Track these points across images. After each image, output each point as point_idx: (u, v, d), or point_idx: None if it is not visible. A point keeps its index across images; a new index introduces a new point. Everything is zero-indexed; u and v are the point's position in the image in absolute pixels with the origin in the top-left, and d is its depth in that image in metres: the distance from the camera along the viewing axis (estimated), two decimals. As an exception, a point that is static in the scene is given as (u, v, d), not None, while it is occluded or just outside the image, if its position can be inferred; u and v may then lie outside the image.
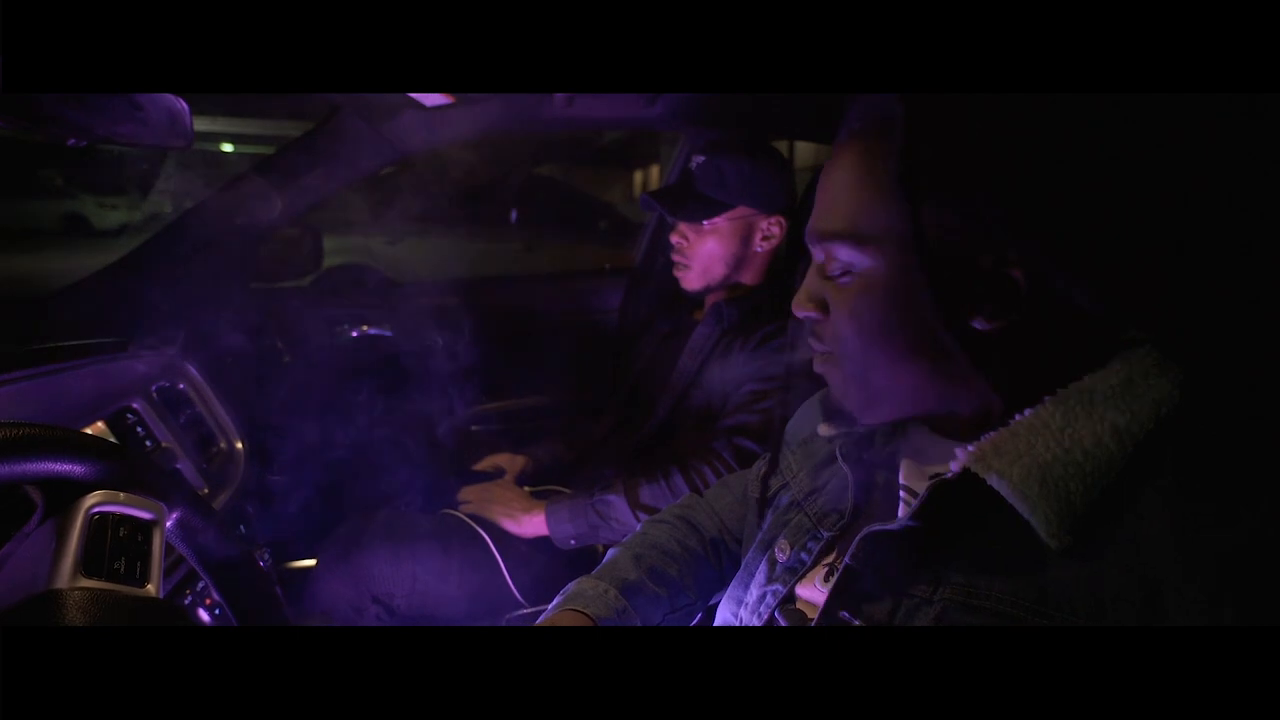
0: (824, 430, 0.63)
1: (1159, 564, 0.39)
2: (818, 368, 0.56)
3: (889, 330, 0.49)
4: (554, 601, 0.73)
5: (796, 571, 0.61)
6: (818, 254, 0.53)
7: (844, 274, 0.50)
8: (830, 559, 0.59)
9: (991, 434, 0.46)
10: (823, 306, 0.53)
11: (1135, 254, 0.45)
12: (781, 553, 0.63)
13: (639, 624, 0.71)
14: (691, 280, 1.30)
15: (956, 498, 0.46)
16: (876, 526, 0.50)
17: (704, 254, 1.27)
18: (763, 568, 0.64)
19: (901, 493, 0.56)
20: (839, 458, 0.60)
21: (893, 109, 0.46)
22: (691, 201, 1.25)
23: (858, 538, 0.51)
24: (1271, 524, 0.38)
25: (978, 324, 0.46)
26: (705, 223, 1.24)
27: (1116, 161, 0.43)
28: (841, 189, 0.50)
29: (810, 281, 0.54)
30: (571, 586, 0.73)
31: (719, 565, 0.81)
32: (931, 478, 0.51)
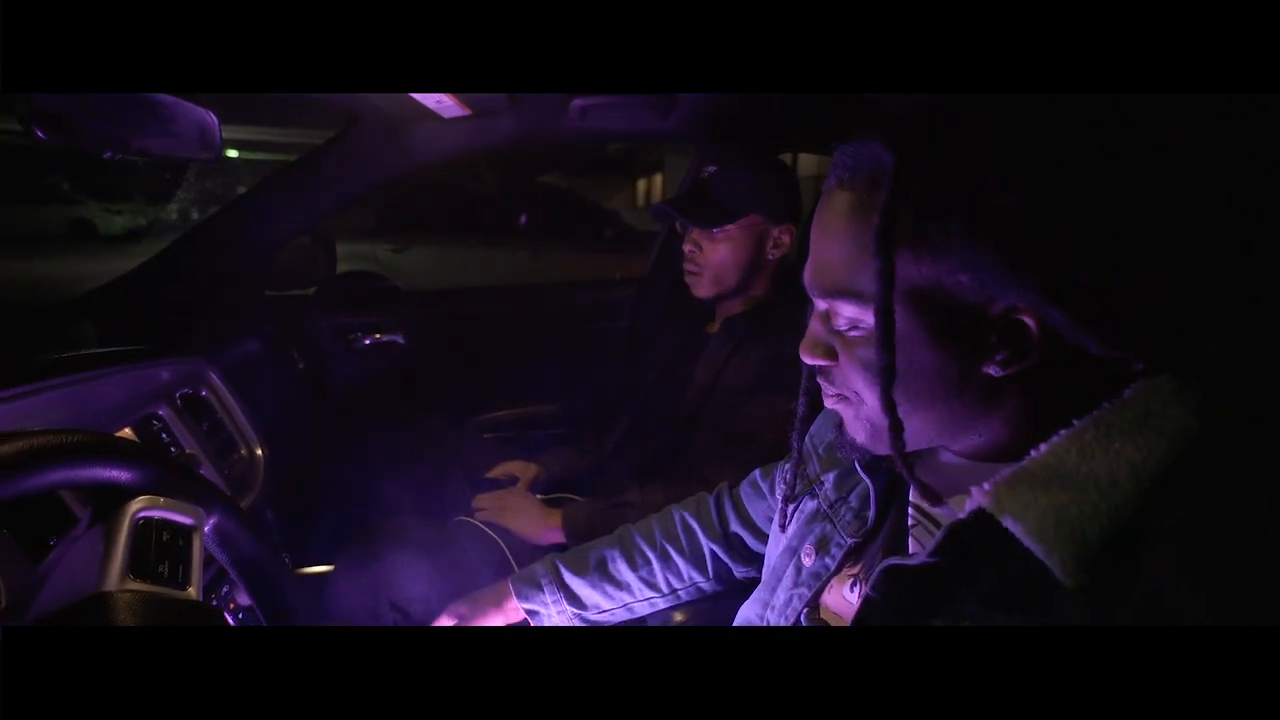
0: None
1: (1168, 611, 0.38)
2: (830, 405, 0.56)
3: (901, 379, 0.47)
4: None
5: (821, 576, 0.63)
6: (820, 304, 0.53)
7: (851, 327, 0.50)
8: (855, 570, 0.61)
9: (1006, 471, 0.46)
10: (831, 354, 0.53)
11: (1145, 293, 0.44)
12: (808, 558, 0.65)
13: (574, 609, 0.89)
14: (704, 287, 1.31)
15: (972, 535, 0.46)
16: (896, 560, 0.50)
17: (716, 261, 1.28)
18: (790, 572, 0.66)
19: (911, 509, 0.57)
20: (859, 470, 0.61)
21: (882, 160, 0.45)
22: (705, 209, 1.26)
23: (877, 569, 0.51)
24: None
25: (992, 370, 0.46)
26: (717, 230, 1.26)
27: (1118, 204, 0.42)
28: (837, 243, 0.49)
29: (815, 330, 0.54)
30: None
31: (717, 564, 0.90)
32: (943, 504, 0.52)
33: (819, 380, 0.56)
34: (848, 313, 0.49)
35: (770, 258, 1.30)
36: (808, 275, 0.52)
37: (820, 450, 0.71)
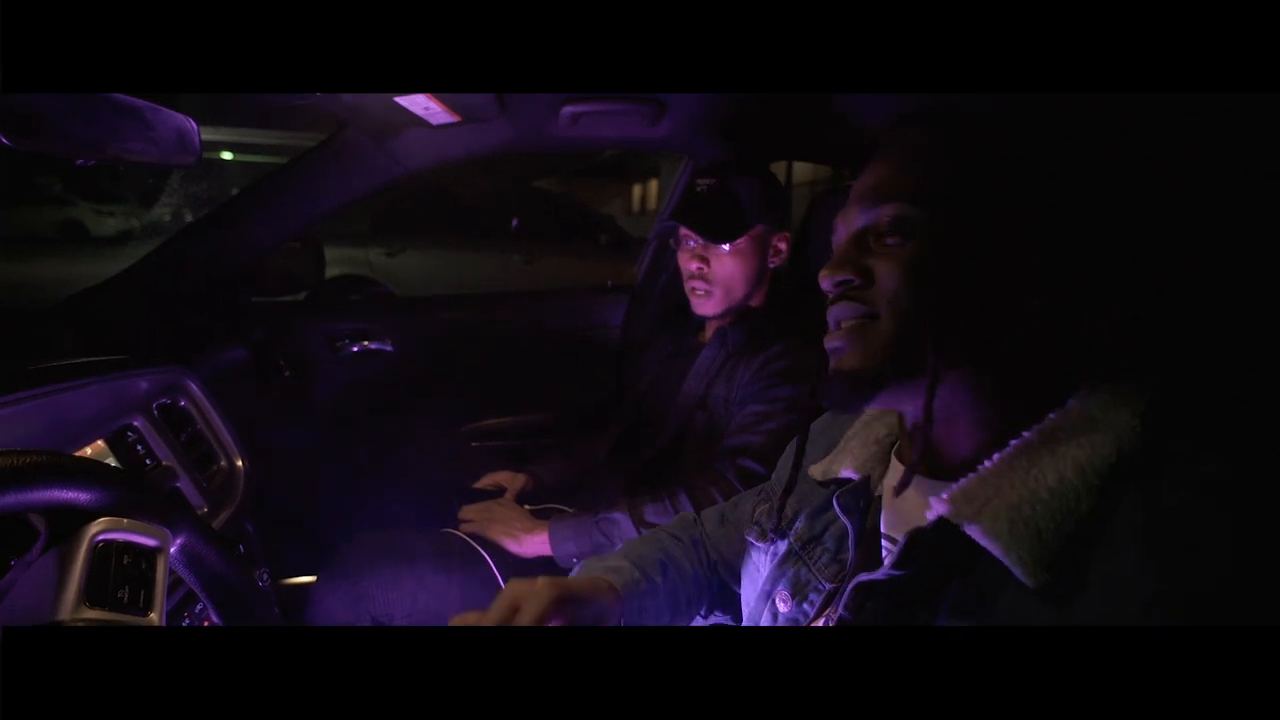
0: (815, 473, 0.63)
1: (1128, 608, 0.39)
2: (838, 341, 0.53)
3: (937, 291, 0.49)
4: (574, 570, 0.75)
5: (799, 624, 0.61)
6: (862, 219, 0.54)
7: (894, 235, 0.51)
8: (830, 611, 0.58)
9: (963, 481, 0.48)
10: (863, 272, 0.52)
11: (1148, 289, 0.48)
12: (783, 603, 0.63)
13: (648, 617, 0.72)
14: (714, 304, 1.27)
15: (936, 545, 0.47)
16: (865, 576, 0.51)
17: (726, 275, 1.25)
18: (765, 618, 0.64)
19: (884, 541, 0.56)
20: (838, 511, 0.59)
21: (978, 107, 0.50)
22: (718, 223, 1.23)
23: (849, 587, 0.52)
24: (1233, 567, 0.38)
25: (1018, 299, 0.48)
26: (729, 244, 1.23)
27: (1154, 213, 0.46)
28: (914, 158, 0.52)
29: (846, 251, 0.53)
30: (595, 561, 0.76)
31: (710, 593, 0.80)
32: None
33: (832, 311, 0.54)
34: (900, 212, 0.51)
35: (771, 266, 1.28)
36: (866, 187, 0.54)
37: (787, 486, 0.68)
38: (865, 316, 0.52)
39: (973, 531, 0.44)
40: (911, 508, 0.53)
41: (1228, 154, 0.53)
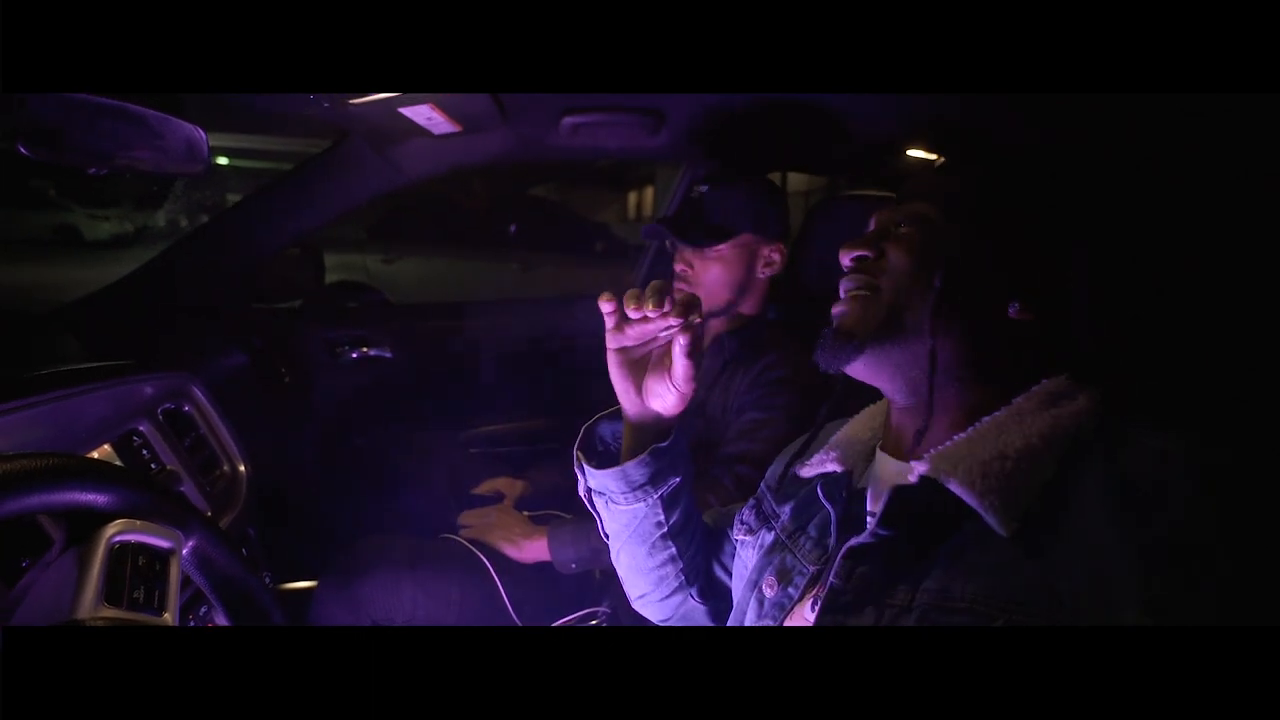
0: (804, 472, 0.69)
1: (1100, 556, 0.44)
2: (842, 306, 0.62)
3: (931, 271, 0.57)
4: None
5: (785, 607, 0.63)
6: (889, 213, 0.63)
7: (910, 220, 0.61)
8: (816, 590, 0.61)
9: (941, 446, 0.54)
10: (878, 250, 0.61)
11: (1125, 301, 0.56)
12: (769, 589, 0.66)
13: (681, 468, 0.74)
14: None
15: (918, 505, 0.52)
16: (855, 541, 0.55)
17: (709, 280, 1.27)
18: (752, 605, 0.67)
19: (869, 518, 0.60)
20: (820, 497, 0.64)
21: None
22: (698, 228, 1.26)
23: (839, 556, 0.55)
24: (1183, 520, 0.44)
25: (1012, 310, 0.56)
26: (710, 250, 1.26)
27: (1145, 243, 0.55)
28: (935, 177, 0.64)
29: (869, 235, 0.63)
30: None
31: (698, 571, 0.82)
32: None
33: (844, 280, 0.63)
34: (917, 208, 0.61)
35: (761, 276, 1.30)
36: (909, 189, 0.65)
37: (773, 484, 0.74)
38: (869, 287, 0.61)
39: (951, 485, 0.50)
40: (894, 480, 0.57)
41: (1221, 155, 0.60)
